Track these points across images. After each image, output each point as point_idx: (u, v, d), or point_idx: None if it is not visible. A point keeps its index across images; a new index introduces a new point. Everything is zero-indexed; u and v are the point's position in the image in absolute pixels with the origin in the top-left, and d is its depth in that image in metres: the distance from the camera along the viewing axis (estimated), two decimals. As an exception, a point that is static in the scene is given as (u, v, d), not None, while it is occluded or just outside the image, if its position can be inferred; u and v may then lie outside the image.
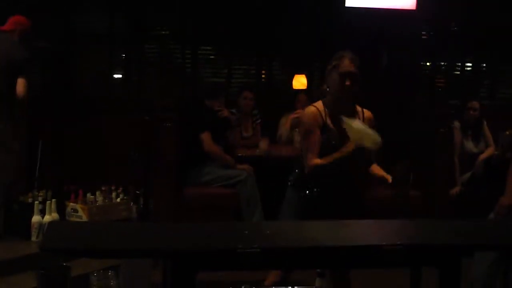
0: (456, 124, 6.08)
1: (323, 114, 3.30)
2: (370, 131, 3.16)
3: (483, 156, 5.80)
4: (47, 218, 4.66)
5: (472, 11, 7.04)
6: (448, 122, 6.19)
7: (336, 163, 3.18)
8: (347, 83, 3.20)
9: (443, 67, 7.57)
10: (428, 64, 7.47)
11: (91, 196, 5.04)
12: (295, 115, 5.92)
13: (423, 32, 7.28)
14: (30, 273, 4.04)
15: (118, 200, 5.13)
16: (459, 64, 7.44)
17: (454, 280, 2.21)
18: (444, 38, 7.25)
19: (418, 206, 5.88)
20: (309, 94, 6.33)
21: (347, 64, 3.23)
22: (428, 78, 7.40)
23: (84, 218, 4.78)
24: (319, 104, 3.37)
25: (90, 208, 4.86)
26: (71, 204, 4.90)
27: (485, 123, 6.11)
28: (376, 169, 3.41)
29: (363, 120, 3.35)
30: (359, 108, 3.43)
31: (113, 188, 5.23)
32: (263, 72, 7.08)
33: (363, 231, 2.51)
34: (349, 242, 2.32)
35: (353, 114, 3.34)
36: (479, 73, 7.52)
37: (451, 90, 7.44)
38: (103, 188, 5.17)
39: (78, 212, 4.85)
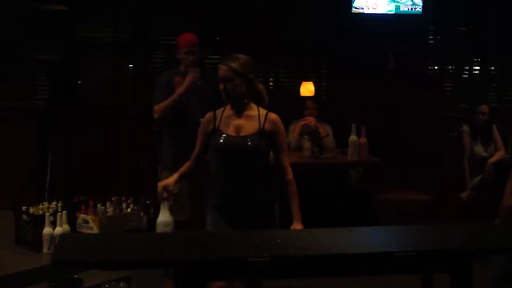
0: (465, 128, 6.05)
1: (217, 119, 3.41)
2: None
3: (492, 159, 5.77)
4: (58, 230, 4.67)
5: (479, 14, 7.03)
6: (457, 126, 6.17)
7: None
8: (221, 86, 3.33)
9: (451, 71, 7.55)
10: (436, 68, 7.45)
11: (102, 207, 5.04)
12: (304, 122, 5.93)
13: (430, 36, 7.27)
14: (42, 285, 4.06)
15: (129, 210, 5.13)
16: (467, 67, 7.42)
17: (466, 284, 2.20)
18: (451, 41, 7.24)
19: (429, 210, 5.88)
20: (317, 101, 6.33)
21: (220, 69, 3.35)
22: (436, 82, 7.38)
23: (95, 229, 4.78)
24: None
25: (100, 219, 4.86)
26: (82, 215, 4.91)
27: (494, 126, 6.09)
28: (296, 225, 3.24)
29: (264, 123, 3.37)
30: (261, 111, 3.42)
31: (123, 198, 5.23)
32: (271, 79, 7.08)
33: (374, 238, 2.50)
34: (360, 249, 2.31)
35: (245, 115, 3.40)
36: (487, 76, 7.48)
37: (459, 93, 7.43)
38: (113, 199, 5.17)
39: (89, 223, 4.85)
